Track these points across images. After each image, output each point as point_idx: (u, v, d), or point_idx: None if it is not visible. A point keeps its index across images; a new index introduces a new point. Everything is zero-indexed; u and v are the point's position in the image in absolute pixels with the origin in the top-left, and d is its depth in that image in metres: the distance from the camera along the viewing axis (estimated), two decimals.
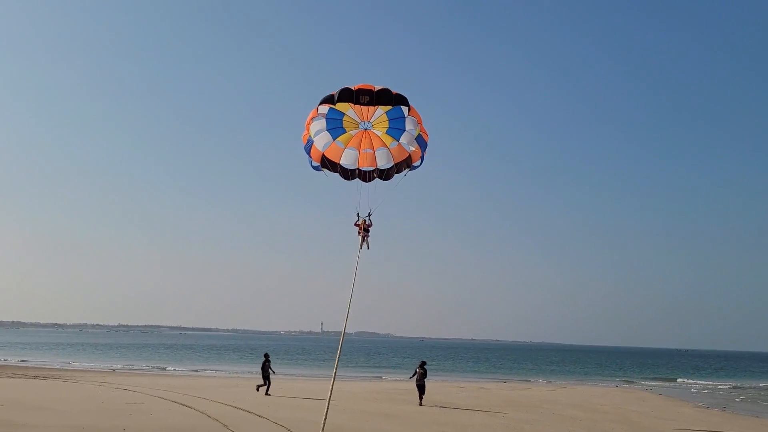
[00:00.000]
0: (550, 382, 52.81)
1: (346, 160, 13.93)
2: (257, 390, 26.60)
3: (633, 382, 58.27)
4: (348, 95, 14.36)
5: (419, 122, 14.57)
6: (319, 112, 14.54)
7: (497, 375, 62.22)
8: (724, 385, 56.42)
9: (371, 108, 14.52)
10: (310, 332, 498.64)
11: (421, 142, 14.55)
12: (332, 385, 13.02)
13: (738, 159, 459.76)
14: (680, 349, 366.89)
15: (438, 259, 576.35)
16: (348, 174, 14.16)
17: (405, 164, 14.23)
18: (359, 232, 14.50)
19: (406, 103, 14.42)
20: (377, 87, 14.45)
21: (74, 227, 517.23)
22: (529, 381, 53.23)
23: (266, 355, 27.12)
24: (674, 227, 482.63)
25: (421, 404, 24.69)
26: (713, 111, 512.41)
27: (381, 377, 51.70)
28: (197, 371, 49.10)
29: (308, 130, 14.62)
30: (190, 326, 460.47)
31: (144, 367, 50.67)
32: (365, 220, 14.68)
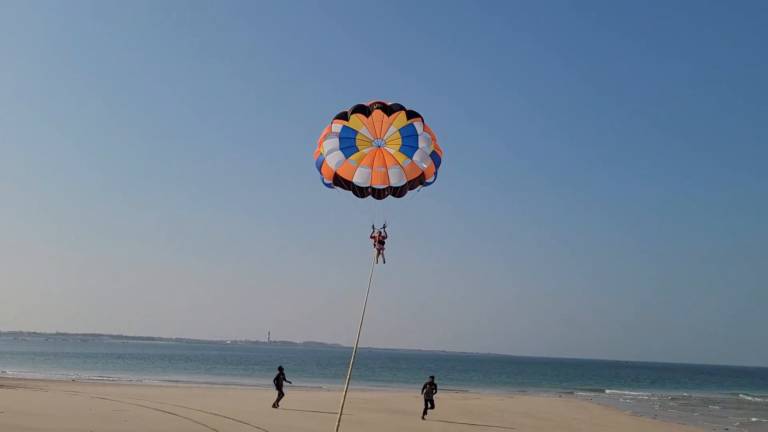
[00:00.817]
0: (498, 392, 55.61)
1: (359, 179, 14.03)
2: (273, 406, 26.04)
3: (571, 392, 61.78)
4: (361, 110, 14.46)
5: (433, 139, 14.58)
6: (332, 130, 14.61)
7: (448, 385, 64.80)
8: (656, 395, 60.71)
9: (384, 124, 14.49)
10: (256, 342, 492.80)
11: (434, 157, 14.59)
12: (344, 396, 13.24)
13: (706, 174, 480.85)
14: (620, 361, 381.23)
15: (385, 270, 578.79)
16: (361, 192, 14.25)
17: (418, 181, 14.34)
18: (374, 245, 14.45)
19: (421, 120, 14.44)
20: (390, 102, 14.56)
21: (4, 228, 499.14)
22: (478, 391, 55.93)
23: (280, 368, 27.07)
24: (640, 241, 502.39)
25: (424, 418, 24.97)
26: (683, 126, 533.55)
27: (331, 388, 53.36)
28: (162, 381, 49.66)
29: (321, 147, 14.70)
30: (132, 335, 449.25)
31: (104, 377, 50.90)
32: (380, 232, 14.56)
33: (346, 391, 13.27)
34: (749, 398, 60.92)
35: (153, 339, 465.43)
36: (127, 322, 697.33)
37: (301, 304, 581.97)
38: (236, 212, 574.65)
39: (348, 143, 14.41)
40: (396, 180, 13.95)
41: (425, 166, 14.19)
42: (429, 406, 25.16)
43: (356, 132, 14.46)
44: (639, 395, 59.72)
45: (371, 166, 14.11)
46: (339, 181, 14.26)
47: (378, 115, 14.32)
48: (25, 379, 41.92)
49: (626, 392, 64.19)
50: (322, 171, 14.54)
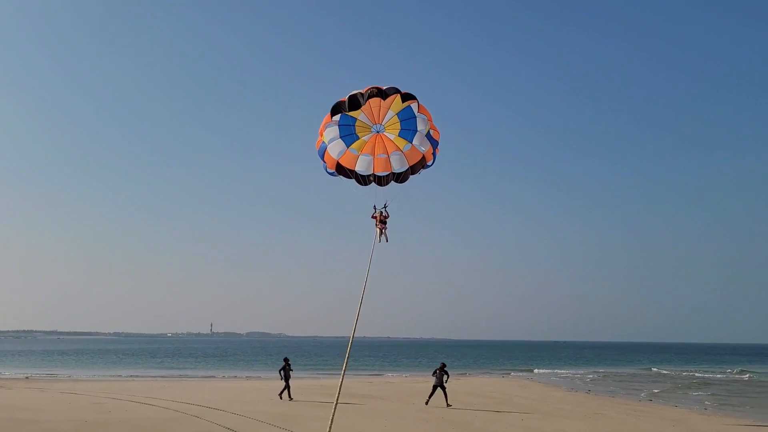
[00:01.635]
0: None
1: (361, 167, 14.15)
2: (281, 397, 26.61)
3: (508, 373, 65.47)
4: (356, 99, 14.42)
5: (429, 120, 14.52)
6: (332, 118, 14.63)
7: (397, 370, 67.49)
8: (590, 372, 65.34)
9: (382, 109, 14.44)
10: (199, 333, 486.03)
11: (432, 140, 14.55)
12: (340, 384, 13.20)
13: (675, 159, 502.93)
14: (558, 341, 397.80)
15: (329, 257, 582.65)
16: (363, 180, 14.38)
17: (419, 165, 14.45)
18: (376, 224, 14.53)
19: (416, 101, 14.40)
20: (385, 87, 14.51)
21: None
22: (426, 374, 58.76)
23: (286, 359, 27.41)
24: (611, 226, 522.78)
25: (427, 403, 25.87)
26: (651, 112, 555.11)
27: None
28: (117, 376, 49.95)
29: (322, 136, 14.76)
30: (67, 330, 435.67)
31: (55, 374, 50.83)
32: (382, 212, 14.63)
33: (342, 380, 13.23)
34: (665, 372, 66.65)
35: (90, 334, 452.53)
36: (60, 317, 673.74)
37: (243, 295, 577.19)
38: (169, 211, 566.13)
39: (348, 131, 14.48)
40: (398, 166, 14.08)
41: (425, 149, 14.26)
42: (440, 392, 25.92)
43: (355, 119, 14.50)
44: (575, 373, 64.03)
45: (373, 154, 14.23)
46: (341, 170, 14.37)
47: (375, 101, 14.30)
48: None
49: (557, 371, 68.28)
50: (324, 159, 14.64)
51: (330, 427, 11.55)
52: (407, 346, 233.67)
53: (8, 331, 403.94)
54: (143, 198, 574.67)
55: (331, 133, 14.47)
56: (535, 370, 70.23)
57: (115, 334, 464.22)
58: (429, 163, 14.63)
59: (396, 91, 14.24)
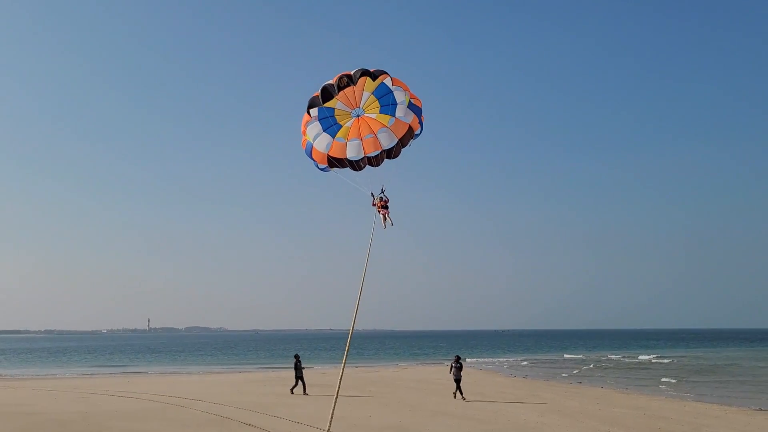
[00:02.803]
0: (387, 365, 61.57)
1: (352, 153, 14.03)
2: (292, 392, 27.13)
3: (441, 362, 68.99)
4: (330, 89, 14.26)
5: (406, 89, 14.35)
6: (311, 115, 14.56)
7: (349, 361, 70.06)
8: (525, 359, 69.91)
9: (357, 93, 14.28)
10: (135, 330, 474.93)
11: (415, 108, 14.39)
12: (340, 379, 13.18)
13: (639, 150, 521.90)
14: (498, 330, 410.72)
15: (266, 250, 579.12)
16: (356, 165, 14.21)
17: (408, 136, 14.28)
18: (378, 211, 14.34)
19: (388, 76, 14.19)
20: (353, 71, 14.29)
21: None
22: (373, 365, 61.66)
23: (297, 356, 28.18)
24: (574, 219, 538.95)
25: (455, 396, 26.17)
26: (615, 103, 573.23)
27: (248, 368, 56.96)
28: (72, 373, 50.40)
29: (306, 135, 14.71)
30: None
31: (6, 374, 50.84)
32: (381, 197, 14.43)
33: (342, 374, 13.36)
34: (611, 357, 72.11)
35: (18, 332, 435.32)
36: None
37: (180, 290, 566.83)
38: (102, 206, 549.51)
39: (329, 122, 14.43)
40: (387, 142, 13.96)
41: (409, 120, 14.13)
42: (458, 384, 26.26)
43: (333, 109, 14.42)
44: (513, 360, 68.36)
45: (360, 137, 14.11)
46: (333, 162, 14.32)
47: (348, 89, 14.19)
48: None
49: (493, 359, 72.26)
50: (313, 157, 14.58)
51: (330, 421, 11.66)
52: (364, 337, 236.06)
53: None
54: (76, 191, 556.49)
55: (314, 130, 14.46)
56: (467, 359, 74.09)
57: (46, 331, 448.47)
58: (417, 132, 14.49)
59: (365, 72, 14.05)
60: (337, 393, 12.36)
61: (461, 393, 26.10)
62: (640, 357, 70.24)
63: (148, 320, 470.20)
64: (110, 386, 31.97)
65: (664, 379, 40.50)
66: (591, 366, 55.31)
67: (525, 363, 62.28)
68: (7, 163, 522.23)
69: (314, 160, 14.57)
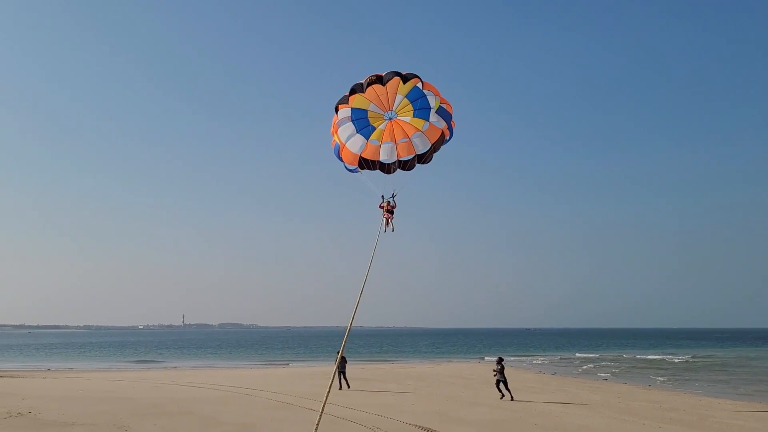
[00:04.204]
0: (423, 361, 64.38)
1: (385, 155, 14.03)
2: (339, 388, 27.86)
3: (482, 358, 71.72)
4: (360, 89, 14.36)
5: (437, 93, 14.38)
6: (341, 116, 14.59)
7: (383, 357, 73.18)
8: (556, 357, 71.99)
9: (389, 95, 14.31)
10: (170, 326, 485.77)
11: (445, 114, 14.39)
12: (333, 376, 13.86)
13: (639, 152, 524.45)
14: (529, 329, 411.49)
15: (300, 248, 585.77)
16: (389, 168, 14.26)
17: (440, 142, 14.29)
18: (384, 214, 14.60)
19: (419, 80, 14.25)
20: (384, 73, 14.39)
21: None
22: (409, 361, 64.53)
23: (339, 352, 31.45)
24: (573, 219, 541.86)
25: (509, 397, 25.79)
26: (614, 105, 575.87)
27: (287, 363, 60.28)
28: (130, 365, 54.33)
29: (336, 136, 14.68)
30: (35, 324, 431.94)
31: (74, 367, 54.92)
32: (389, 202, 14.69)
33: (335, 372, 15.61)
34: (625, 356, 73.70)
35: (59, 327, 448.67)
36: (28, 311, 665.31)
37: (215, 287, 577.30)
38: (142, 202, 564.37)
39: (363, 124, 14.41)
40: (421, 147, 13.97)
41: (442, 125, 14.17)
42: (503, 387, 26.03)
43: (366, 111, 14.42)
44: (544, 358, 70.55)
45: (394, 140, 14.11)
46: (364, 163, 14.32)
47: (380, 89, 14.29)
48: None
49: (528, 357, 74.79)
50: (342, 158, 14.56)
51: (320, 416, 11.38)
52: (383, 335, 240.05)
53: None
54: (114, 190, 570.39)
55: (347, 131, 14.43)
56: (509, 357, 76.50)
57: (85, 327, 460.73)
58: (447, 138, 14.48)
59: (396, 74, 14.19)
60: (328, 393, 13.59)
61: (508, 392, 25.95)
62: (665, 356, 71.88)
63: (183, 316, 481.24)
64: (173, 378, 35.38)
65: (684, 377, 42.62)
66: (625, 366, 57.26)
67: (558, 361, 64.49)
68: (51, 160, 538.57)
69: (343, 161, 14.64)
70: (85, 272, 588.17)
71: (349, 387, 28.67)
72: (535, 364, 61.47)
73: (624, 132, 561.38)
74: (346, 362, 31.01)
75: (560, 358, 69.82)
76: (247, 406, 21.08)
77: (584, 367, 55.34)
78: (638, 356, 72.85)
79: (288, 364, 56.17)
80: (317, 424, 9.37)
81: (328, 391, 10.34)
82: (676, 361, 63.39)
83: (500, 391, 25.99)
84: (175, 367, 52.36)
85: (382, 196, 14.73)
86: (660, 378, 42.57)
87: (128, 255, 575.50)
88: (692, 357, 70.04)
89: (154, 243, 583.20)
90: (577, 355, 78.27)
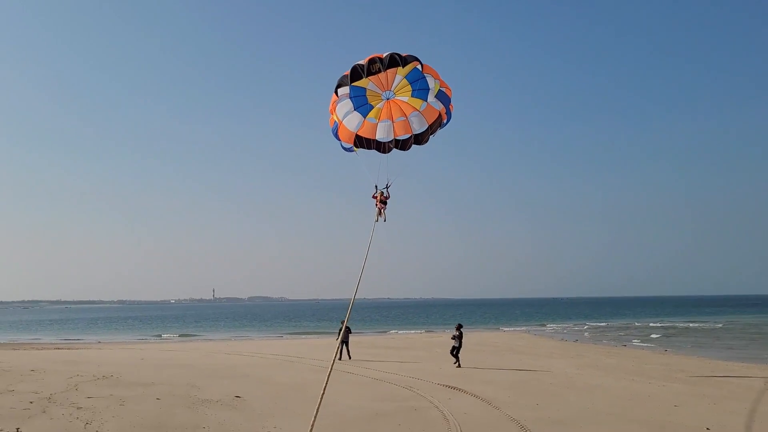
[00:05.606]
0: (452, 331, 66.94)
1: (382, 134, 13.96)
2: (339, 359, 27.56)
3: (507, 326, 74.14)
4: (360, 71, 14.18)
5: (436, 77, 14.28)
6: (339, 94, 14.47)
7: (410, 327, 75.99)
8: (578, 325, 74.09)
9: (389, 76, 14.18)
10: (201, 300, 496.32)
11: (444, 97, 14.33)
12: (336, 353, 15.16)
13: (650, 122, 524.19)
14: (558, 298, 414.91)
15: (329, 221, 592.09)
16: (385, 147, 14.17)
17: (437, 124, 14.22)
18: (377, 204, 14.56)
19: (419, 62, 14.12)
20: (384, 54, 14.18)
21: None
22: (435, 331, 67.17)
23: (343, 322, 32.26)
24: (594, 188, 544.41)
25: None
26: (627, 75, 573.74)
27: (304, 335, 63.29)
28: (172, 337, 57.79)
29: (334, 115, 14.57)
30: (71, 300, 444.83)
31: (114, 340, 58.50)
32: (383, 192, 14.63)
33: (338, 349, 16.99)
34: (642, 324, 75.43)
35: (94, 302, 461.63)
36: (64, 287, 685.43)
37: (244, 261, 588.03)
38: (174, 178, 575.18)
39: (361, 101, 14.31)
40: (418, 126, 13.92)
41: (440, 107, 14.13)
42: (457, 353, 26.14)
43: (364, 89, 14.32)
44: (566, 326, 72.72)
45: (391, 118, 14.02)
46: (360, 142, 14.27)
47: (375, 68, 14.20)
48: (50, 344, 49.39)
49: (556, 326, 76.92)
50: (340, 136, 14.53)
51: (325, 386, 11.12)
52: (409, 306, 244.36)
53: (15, 302, 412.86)
54: (149, 167, 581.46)
55: (344, 107, 14.34)
56: (548, 326, 78.10)
57: (119, 302, 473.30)
58: (444, 122, 14.46)
59: (396, 56, 14.09)
60: (334, 359, 15.96)
61: (457, 359, 26.01)
62: (689, 323, 73.38)
63: (213, 290, 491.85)
64: (218, 348, 38.35)
65: (703, 343, 44.50)
66: (646, 333, 59.24)
67: (576, 329, 66.65)
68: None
69: (340, 140, 14.60)
70: (118, 249, 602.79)
71: (350, 358, 28.72)
72: (559, 332, 63.69)
73: (641, 106, 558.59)
74: (350, 333, 31.25)
75: (586, 326, 71.83)
76: (294, 370, 23.74)
77: (607, 333, 57.36)
78: (660, 324, 74.50)
79: (319, 336, 59.05)
80: (321, 397, 10.23)
81: (333, 362, 11.65)
82: (702, 327, 64.95)
83: (455, 356, 26.02)
84: (215, 339, 55.66)
85: (376, 186, 14.63)
86: (679, 343, 44.49)
87: (159, 231, 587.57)
88: (716, 323, 71.47)
89: (186, 220, 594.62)
90: (598, 323, 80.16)
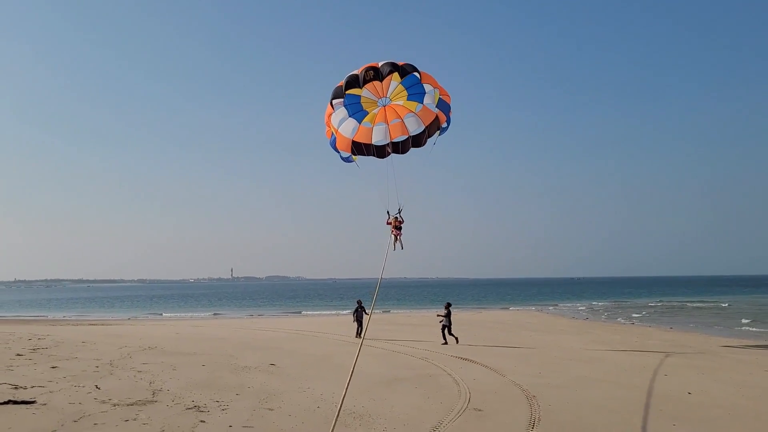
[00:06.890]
0: (465, 310, 68.93)
1: (378, 137, 13.77)
2: (357, 336, 27.89)
3: (521, 306, 75.94)
4: (355, 80, 14.13)
5: (435, 85, 14.24)
6: (334, 104, 14.45)
7: (429, 306, 78.05)
8: (590, 305, 75.72)
9: (385, 84, 14.10)
10: (219, 279, 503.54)
11: (443, 104, 14.28)
12: (363, 336, 14.46)
13: (668, 104, 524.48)
14: (572, 278, 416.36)
15: (346, 201, 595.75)
16: (381, 152, 13.98)
17: (435, 127, 14.05)
18: (392, 231, 14.19)
19: (416, 70, 14.08)
20: (381, 63, 14.19)
21: None
22: (455, 309, 68.87)
23: (359, 302, 29.13)
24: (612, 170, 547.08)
25: (454, 340, 26.12)
26: (645, 55, 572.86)
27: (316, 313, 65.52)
28: (194, 315, 60.39)
29: (330, 126, 14.55)
30: (93, 278, 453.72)
31: (136, 317, 61.28)
32: (396, 218, 14.25)
33: (365, 332, 17.71)
34: (652, 303, 76.88)
35: (115, 281, 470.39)
36: (86, 266, 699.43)
37: (261, 241, 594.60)
38: (192, 160, 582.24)
39: (356, 108, 14.24)
40: (414, 127, 13.68)
41: (436, 110, 13.99)
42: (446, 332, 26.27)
43: (359, 96, 14.28)
44: (577, 305, 74.37)
45: (386, 121, 13.80)
46: (358, 149, 14.15)
47: (369, 75, 14.20)
48: (80, 320, 52.12)
49: (569, 304, 78.56)
50: (338, 147, 14.44)
51: (355, 361, 11.41)
52: (427, 285, 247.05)
53: (38, 281, 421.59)
54: (167, 150, 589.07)
55: (339, 115, 14.24)
56: (559, 305, 79.55)
57: (139, 281, 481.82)
58: (444, 126, 14.28)
59: (393, 65, 14.05)
60: (363, 334, 16.22)
61: (452, 336, 26.24)
62: (702, 303, 74.56)
63: (231, 270, 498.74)
64: (245, 324, 40.64)
65: (711, 320, 45.98)
66: (657, 311, 60.74)
67: (584, 309, 68.35)
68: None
69: (338, 150, 14.46)
70: (137, 229, 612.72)
71: (358, 335, 28.40)
72: (570, 310, 65.39)
73: (658, 86, 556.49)
74: (365, 313, 30.00)
75: (598, 305, 73.41)
76: (320, 343, 25.79)
77: (617, 312, 58.90)
78: (667, 303, 75.77)
79: (338, 314, 61.33)
80: (354, 363, 10.69)
81: (363, 335, 13.52)
82: (709, 305, 66.26)
83: (444, 336, 26.12)
84: (240, 317, 58.14)
85: (388, 212, 14.25)
86: (686, 321, 46.03)
87: (178, 211, 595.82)
88: (727, 303, 72.68)
89: (203, 201, 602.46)
90: (609, 302, 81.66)
